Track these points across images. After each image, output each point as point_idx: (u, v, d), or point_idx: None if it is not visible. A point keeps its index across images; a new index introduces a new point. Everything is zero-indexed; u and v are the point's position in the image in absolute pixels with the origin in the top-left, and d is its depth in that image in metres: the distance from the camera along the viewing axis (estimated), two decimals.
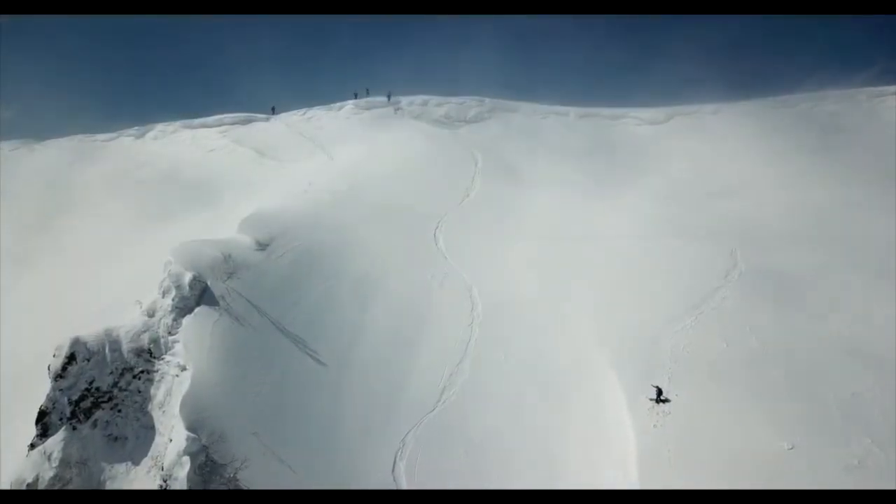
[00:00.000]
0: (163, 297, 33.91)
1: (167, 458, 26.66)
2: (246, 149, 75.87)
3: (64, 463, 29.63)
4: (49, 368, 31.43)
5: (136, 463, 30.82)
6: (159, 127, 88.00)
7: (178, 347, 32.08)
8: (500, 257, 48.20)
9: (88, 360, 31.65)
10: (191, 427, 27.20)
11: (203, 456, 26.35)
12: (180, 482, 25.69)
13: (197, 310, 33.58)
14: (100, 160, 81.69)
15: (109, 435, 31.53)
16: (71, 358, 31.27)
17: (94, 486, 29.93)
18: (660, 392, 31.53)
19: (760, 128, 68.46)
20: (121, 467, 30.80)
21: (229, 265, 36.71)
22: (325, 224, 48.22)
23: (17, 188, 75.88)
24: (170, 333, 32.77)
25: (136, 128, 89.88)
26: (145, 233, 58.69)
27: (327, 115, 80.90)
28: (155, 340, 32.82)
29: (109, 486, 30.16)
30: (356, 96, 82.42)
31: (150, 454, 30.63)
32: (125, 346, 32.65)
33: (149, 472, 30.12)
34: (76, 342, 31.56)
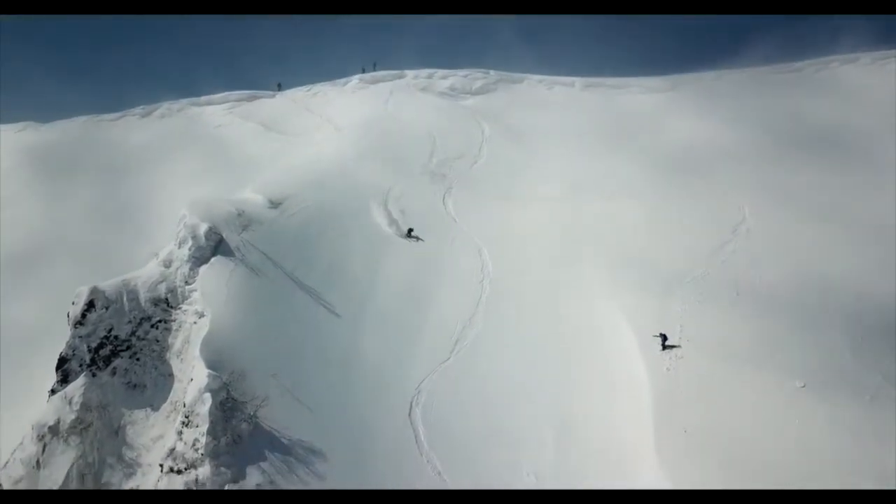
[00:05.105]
0: (179, 247, 34.28)
1: (189, 395, 27.05)
2: (253, 124, 76.12)
3: (84, 407, 30.04)
4: (68, 316, 31.82)
5: (156, 409, 31.29)
6: (165, 105, 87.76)
7: (195, 296, 32.46)
8: (509, 220, 48.47)
9: (107, 309, 32.07)
10: (211, 366, 27.55)
11: (224, 393, 26.69)
12: (202, 418, 26.03)
13: (213, 260, 33.97)
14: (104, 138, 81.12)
15: (128, 382, 31.97)
16: (90, 305, 31.69)
17: (114, 430, 30.39)
18: (665, 338, 31.70)
19: (763, 92, 68.70)
20: (140, 413, 31.26)
21: (243, 219, 37.11)
22: (335, 187, 48.53)
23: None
24: (186, 283, 33.15)
25: (142, 107, 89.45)
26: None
27: (333, 91, 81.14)
28: (172, 290, 33.21)
29: (130, 430, 30.63)
30: (364, 71, 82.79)
31: (169, 400, 31.11)
32: (143, 296, 33.05)
33: (168, 417, 30.58)
34: (95, 290, 31.98)
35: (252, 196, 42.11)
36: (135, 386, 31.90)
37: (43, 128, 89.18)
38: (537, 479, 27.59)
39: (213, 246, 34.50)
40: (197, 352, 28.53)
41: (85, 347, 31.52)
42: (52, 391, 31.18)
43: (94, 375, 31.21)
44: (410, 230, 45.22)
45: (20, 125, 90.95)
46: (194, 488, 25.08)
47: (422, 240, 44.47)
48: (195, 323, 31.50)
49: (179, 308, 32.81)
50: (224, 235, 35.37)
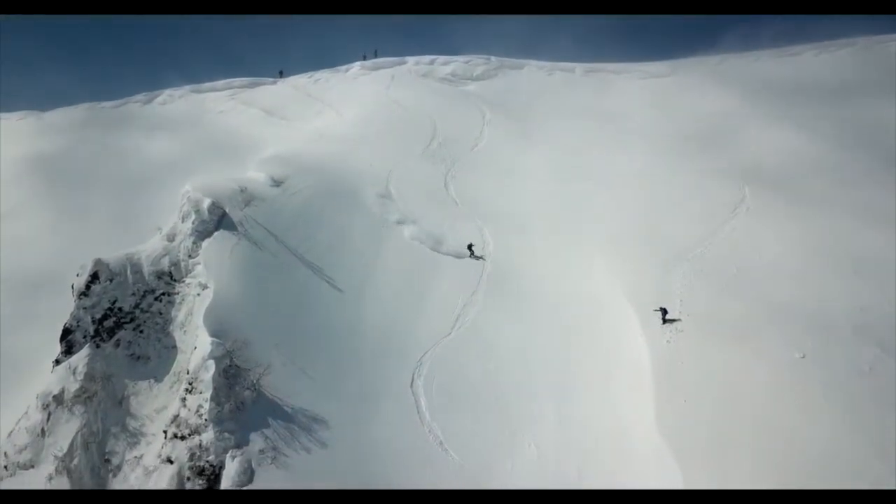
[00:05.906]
0: (182, 221, 34.50)
1: (192, 362, 27.27)
2: (255, 110, 76.32)
3: (89, 377, 30.28)
4: (73, 287, 32.03)
5: (159, 380, 31.52)
6: (167, 92, 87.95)
7: (198, 269, 32.67)
8: (510, 201, 48.72)
9: (111, 281, 32.28)
10: (214, 335, 27.74)
11: (227, 360, 26.89)
12: (206, 385, 26.25)
13: (216, 234, 34.21)
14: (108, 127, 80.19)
15: (132, 354, 32.20)
16: (94, 277, 31.88)
17: (118, 401, 30.65)
18: (665, 312, 31.87)
19: (765, 76, 68.83)
20: (143, 384, 31.50)
21: (246, 195, 37.31)
22: (336, 168, 48.69)
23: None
24: (190, 256, 33.35)
25: (144, 94, 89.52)
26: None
27: (335, 77, 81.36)
28: (175, 263, 33.42)
29: (133, 401, 30.89)
30: (365, 58, 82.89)
31: (172, 371, 31.32)
32: (146, 269, 33.27)
33: (171, 388, 30.80)
34: (99, 262, 32.20)
35: (254, 174, 42.33)
36: (138, 357, 32.13)
37: (44, 116, 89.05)
38: (538, 450, 27.74)
39: (217, 220, 34.74)
40: (200, 321, 28.73)
41: (89, 319, 31.75)
42: (57, 361, 31.43)
43: (98, 346, 31.43)
44: (471, 246, 41.35)
45: (20, 114, 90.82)
46: (198, 453, 25.36)
47: (483, 258, 41.17)
48: (198, 295, 31.69)
49: (183, 281, 33.01)
50: (227, 210, 35.58)
